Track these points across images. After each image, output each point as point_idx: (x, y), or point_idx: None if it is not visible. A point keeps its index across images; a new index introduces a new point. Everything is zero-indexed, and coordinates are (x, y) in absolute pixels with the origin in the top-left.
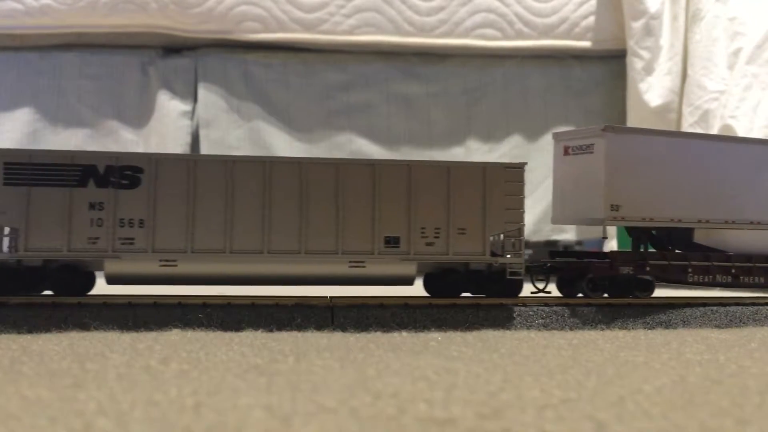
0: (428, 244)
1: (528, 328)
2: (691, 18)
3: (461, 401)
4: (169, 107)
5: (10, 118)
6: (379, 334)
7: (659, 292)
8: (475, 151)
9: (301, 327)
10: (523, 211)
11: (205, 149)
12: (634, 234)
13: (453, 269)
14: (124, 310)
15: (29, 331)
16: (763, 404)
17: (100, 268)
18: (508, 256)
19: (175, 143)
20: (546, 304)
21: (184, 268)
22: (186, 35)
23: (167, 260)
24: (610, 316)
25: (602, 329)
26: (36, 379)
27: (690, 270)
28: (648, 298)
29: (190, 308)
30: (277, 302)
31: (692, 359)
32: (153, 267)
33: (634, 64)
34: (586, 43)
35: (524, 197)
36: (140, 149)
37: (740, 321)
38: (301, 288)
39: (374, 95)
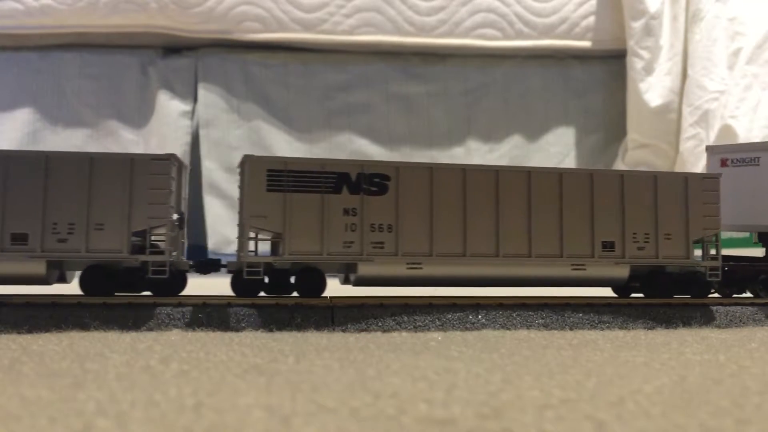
0: (639, 249)
1: (528, 328)
2: (691, 18)
3: (461, 401)
4: (169, 107)
5: (10, 118)
6: (379, 334)
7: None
8: (475, 151)
9: (301, 327)
10: (719, 219)
11: (204, 149)
12: None
13: (661, 272)
14: (124, 310)
15: (29, 331)
16: (763, 404)
17: (332, 271)
18: (704, 260)
19: (175, 143)
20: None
21: (428, 270)
22: (186, 35)
23: (413, 263)
24: (610, 315)
25: (602, 329)
26: (36, 379)
27: None
28: (648, 298)
29: (190, 308)
30: (277, 302)
31: (692, 359)
32: (401, 269)
33: (634, 64)
34: (586, 43)
35: (720, 205)
36: (140, 149)
37: (740, 321)
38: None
39: (374, 95)
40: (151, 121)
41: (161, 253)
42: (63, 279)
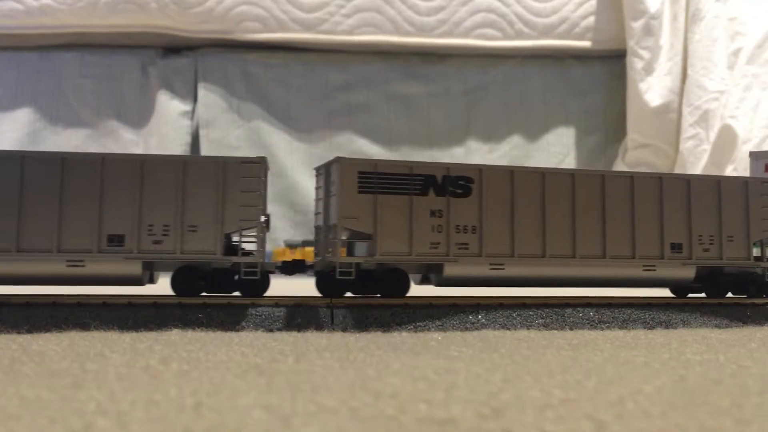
0: (705, 250)
1: (528, 328)
2: (691, 18)
3: (461, 401)
4: (169, 107)
5: (10, 118)
6: (379, 334)
7: (658, 293)
8: (475, 151)
9: (301, 327)
10: None
11: (204, 149)
12: None
13: (720, 272)
14: (124, 310)
15: (29, 331)
16: (763, 404)
17: (413, 271)
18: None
19: (175, 143)
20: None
21: (510, 271)
22: (186, 35)
23: (496, 264)
24: (610, 315)
25: (602, 329)
26: (36, 379)
27: None
28: (648, 299)
29: (190, 308)
30: (277, 302)
31: (692, 359)
32: (484, 270)
33: (634, 64)
34: (586, 43)
35: None
36: (140, 149)
37: (740, 321)
38: (302, 288)
39: (374, 95)
40: (151, 121)
41: (251, 254)
42: (152, 280)
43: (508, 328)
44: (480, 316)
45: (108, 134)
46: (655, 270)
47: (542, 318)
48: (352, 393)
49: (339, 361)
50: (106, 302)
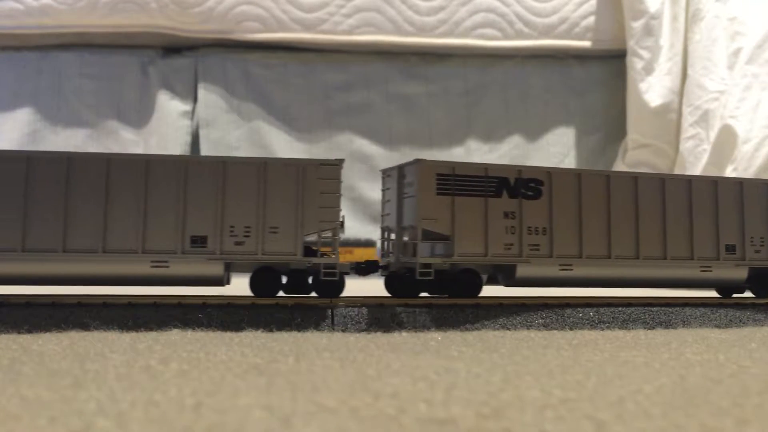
0: (756, 251)
1: (528, 328)
2: (691, 18)
3: (461, 401)
4: (169, 107)
5: (10, 118)
6: (379, 334)
7: (659, 293)
8: (475, 151)
9: (301, 327)
10: None
11: (204, 149)
12: None
13: (766, 273)
14: (124, 310)
15: (29, 331)
16: (763, 404)
17: (485, 272)
18: None
19: (175, 143)
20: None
21: (578, 271)
22: (186, 35)
23: (565, 265)
24: (610, 315)
25: (602, 329)
26: (36, 379)
27: None
28: (648, 298)
29: (190, 308)
30: (277, 302)
31: (692, 359)
32: (554, 270)
33: (634, 64)
34: (586, 43)
35: None
36: (140, 149)
37: (740, 321)
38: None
39: (374, 95)
40: (151, 121)
41: (326, 255)
42: (228, 280)
43: (508, 328)
44: (480, 316)
45: (108, 134)
46: (711, 271)
47: (542, 318)
48: (352, 393)
49: (339, 361)
50: (106, 302)
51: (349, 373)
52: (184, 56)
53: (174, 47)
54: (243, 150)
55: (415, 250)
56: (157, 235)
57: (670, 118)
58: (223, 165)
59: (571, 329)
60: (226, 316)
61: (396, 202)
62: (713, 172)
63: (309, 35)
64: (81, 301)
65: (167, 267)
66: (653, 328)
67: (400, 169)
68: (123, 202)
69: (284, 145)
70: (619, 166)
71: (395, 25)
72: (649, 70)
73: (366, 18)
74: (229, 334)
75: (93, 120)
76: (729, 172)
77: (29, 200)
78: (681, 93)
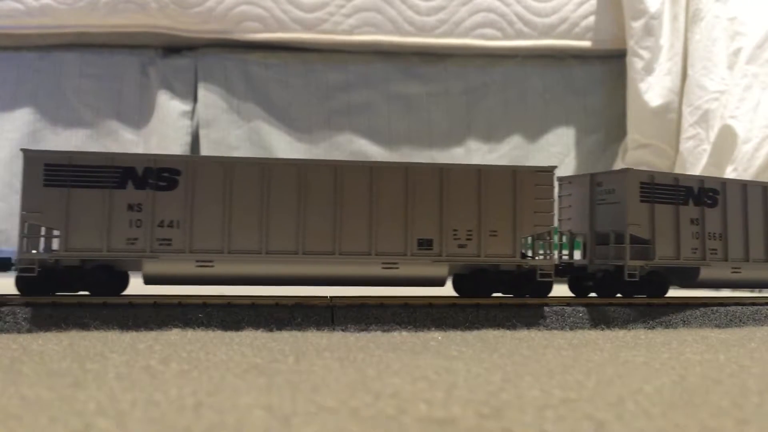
0: None
1: (528, 328)
2: (691, 18)
3: (461, 401)
4: (169, 107)
5: (10, 118)
6: (379, 334)
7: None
8: (475, 152)
9: (301, 327)
10: None
11: (204, 149)
12: None
13: None
14: (124, 310)
15: (29, 331)
16: (763, 404)
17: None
18: None
19: (175, 143)
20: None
21: (745, 274)
22: (186, 35)
23: (735, 268)
24: (610, 315)
25: (602, 329)
26: (36, 379)
27: None
28: (648, 298)
29: (190, 308)
30: (277, 302)
31: (692, 359)
32: (727, 273)
33: (634, 64)
34: (586, 43)
35: None
36: (140, 149)
37: (740, 321)
38: (302, 288)
39: (374, 95)
40: (151, 121)
41: (531, 257)
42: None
43: (508, 328)
44: (480, 316)
45: (108, 134)
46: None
47: (542, 318)
48: (352, 393)
49: (339, 361)
50: (106, 302)
51: (349, 373)
52: (184, 56)
53: (174, 47)
54: (243, 150)
55: (622, 253)
56: (386, 238)
57: (670, 118)
58: (440, 172)
59: (571, 329)
60: (226, 316)
61: (587, 208)
62: (713, 173)
63: (309, 35)
64: (81, 301)
65: (397, 268)
66: (653, 328)
67: (593, 177)
68: (352, 206)
69: (284, 145)
70: (619, 166)
71: (395, 25)
72: (649, 70)
73: (366, 18)
74: (229, 334)
75: (93, 120)
76: (729, 173)
77: (269, 205)
78: (681, 93)
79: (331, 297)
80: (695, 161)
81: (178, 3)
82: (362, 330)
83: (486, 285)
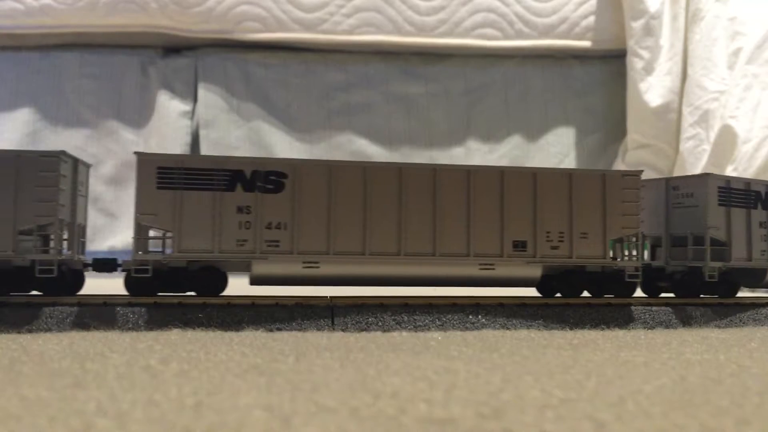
0: None
1: (528, 328)
2: (691, 18)
3: (461, 401)
4: (169, 107)
5: (10, 118)
6: (379, 334)
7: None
8: (475, 152)
9: (301, 327)
10: None
11: (204, 149)
12: None
13: None
14: (125, 310)
15: (29, 331)
16: (763, 404)
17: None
18: None
19: (175, 143)
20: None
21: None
22: (186, 35)
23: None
24: (610, 315)
25: (602, 329)
26: (36, 379)
27: None
28: (647, 298)
29: (190, 308)
30: (277, 302)
31: (692, 359)
32: None
33: (634, 64)
34: (586, 43)
35: None
36: (140, 149)
37: (740, 321)
38: (302, 288)
39: (374, 95)
40: (151, 121)
41: (615, 259)
42: None
43: (508, 328)
44: (480, 316)
45: (108, 134)
46: None
47: (542, 318)
48: (352, 393)
49: (339, 361)
50: (106, 302)
51: (349, 373)
52: (184, 56)
53: (174, 47)
54: (243, 150)
55: (702, 255)
56: (483, 240)
57: (670, 118)
58: (533, 176)
59: (571, 329)
60: (226, 316)
61: (662, 211)
62: (713, 173)
63: (309, 35)
64: (81, 301)
65: (493, 269)
66: (653, 328)
67: (668, 181)
68: (450, 210)
69: (284, 146)
70: (619, 166)
71: (395, 25)
72: (649, 70)
73: (366, 18)
74: (229, 334)
75: (93, 120)
76: (729, 172)
77: (371, 208)
78: (681, 93)
79: (331, 297)
80: (695, 161)
81: (178, 3)
82: (362, 330)
83: (575, 285)
